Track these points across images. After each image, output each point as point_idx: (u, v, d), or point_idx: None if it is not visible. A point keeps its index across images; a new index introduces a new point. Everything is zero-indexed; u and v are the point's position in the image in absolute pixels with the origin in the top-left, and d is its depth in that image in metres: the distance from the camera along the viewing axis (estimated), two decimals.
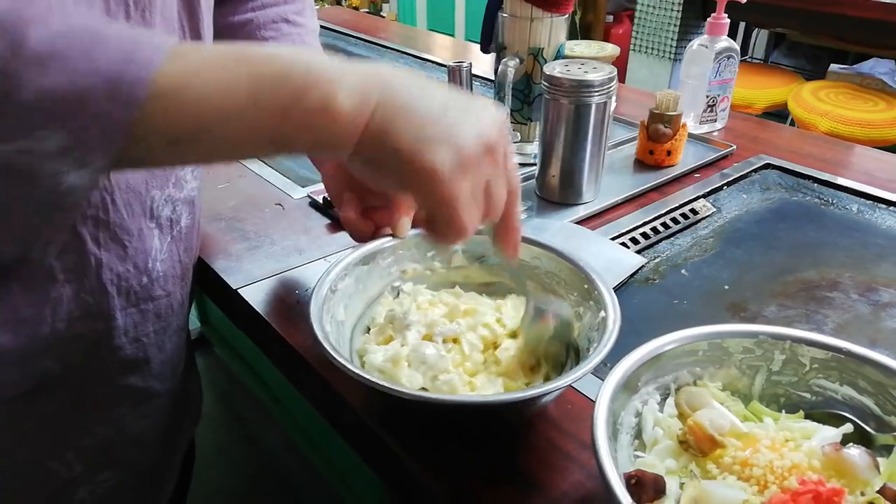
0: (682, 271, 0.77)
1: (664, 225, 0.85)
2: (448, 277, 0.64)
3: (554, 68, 0.81)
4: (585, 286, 0.57)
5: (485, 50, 0.98)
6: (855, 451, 0.43)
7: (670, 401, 0.49)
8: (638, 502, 0.38)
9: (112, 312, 0.56)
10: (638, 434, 0.48)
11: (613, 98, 0.84)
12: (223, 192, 0.89)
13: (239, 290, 0.70)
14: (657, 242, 0.82)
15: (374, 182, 0.45)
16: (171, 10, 0.55)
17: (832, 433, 0.46)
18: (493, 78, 1.01)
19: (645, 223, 0.84)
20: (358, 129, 0.40)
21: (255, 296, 0.69)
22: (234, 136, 0.38)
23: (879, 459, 0.44)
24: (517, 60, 0.90)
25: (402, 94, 0.41)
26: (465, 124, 0.42)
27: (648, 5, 2.59)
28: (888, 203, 0.90)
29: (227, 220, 0.82)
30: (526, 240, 0.61)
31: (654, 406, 0.49)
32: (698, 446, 0.45)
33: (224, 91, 0.37)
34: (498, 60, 0.93)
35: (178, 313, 0.65)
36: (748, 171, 0.98)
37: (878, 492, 0.41)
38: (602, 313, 0.53)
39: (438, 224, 0.43)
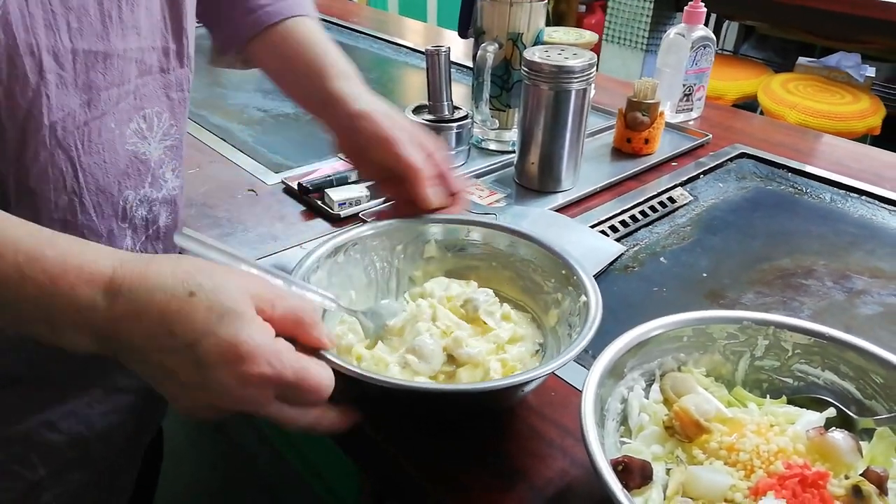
0: (661, 259, 0.77)
1: (642, 213, 0.85)
2: (422, 268, 0.63)
3: (534, 54, 0.80)
4: (563, 272, 0.56)
5: (462, 35, 0.97)
6: (839, 435, 0.43)
7: (655, 387, 0.49)
8: (626, 488, 0.37)
9: None
10: (623, 420, 0.48)
11: (593, 85, 0.83)
12: (193, 178, 0.86)
13: None
14: (636, 230, 0.82)
15: None
16: (154, 3, 0.53)
17: (815, 417, 0.46)
18: (469, 64, 1.00)
19: (623, 211, 0.84)
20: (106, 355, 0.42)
21: None
22: None
23: (862, 443, 0.44)
24: (496, 45, 0.89)
25: (131, 341, 0.41)
26: (181, 362, 0.40)
27: None
28: (859, 192, 0.91)
29: (198, 207, 0.80)
30: (501, 227, 0.61)
31: (640, 392, 0.48)
32: (684, 432, 0.44)
33: None
34: (476, 45, 0.92)
35: None
36: (724, 160, 0.98)
37: (861, 474, 0.41)
38: (583, 298, 0.52)
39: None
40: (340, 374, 0.44)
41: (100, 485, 0.63)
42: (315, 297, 0.50)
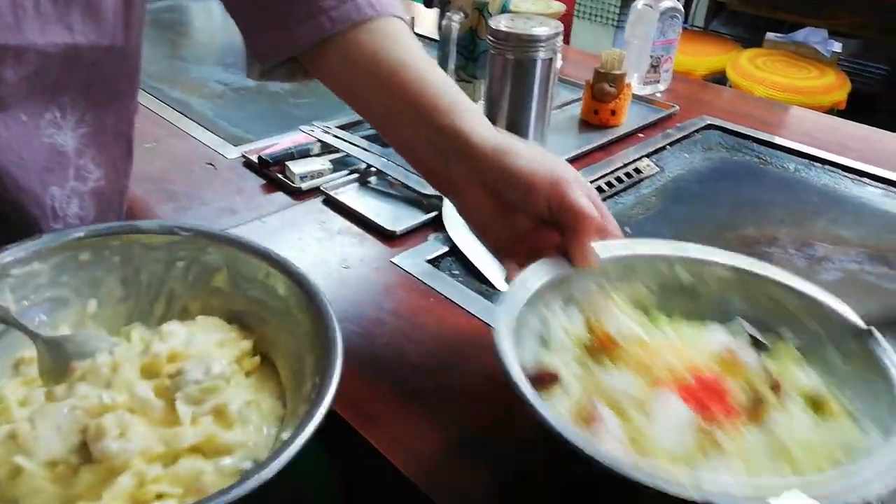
0: (626, 229, 0.77)
1: (608, 184, 0.84)
2: (202, 299, 0.49)
3: (499, 22, 0.79)
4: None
5: (428, 4, 0.95)
6: (747, 353, 0.45)
7: (576, 310, 0.48)
8: (534, 387, 0.38)
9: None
10: (544, 343, 0.46)
11: (559, 55, 0.82)
12: (150, 153, 0.84)
13: None
14: (602, 201, 0.82)
15: None
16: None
17: (727, 338, 0.47)
18: (436, 37, 0.98)
19: (590, 182, 0.83)
20: None
21: None
22: None
23: (771, 365, 0.45)
24: (462, 15, 0.87)
25: None
26: None
27: None
28: (823, 161, 0.92)
29: (153, 181, 0.77)
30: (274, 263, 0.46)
31: (559, 313, 0.48)
32: (601, 347, 0.44)
33: None
34: (442, 16, 0.90)
35: None
36: (691, 131, 0.98)
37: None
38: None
39: None
40: None
41: None
42: None
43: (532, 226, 0.50)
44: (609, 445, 0.37)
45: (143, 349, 0.43)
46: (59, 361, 0.41)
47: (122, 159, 0.57)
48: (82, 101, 0.51)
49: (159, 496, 0.36)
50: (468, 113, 0.50)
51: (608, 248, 0.49)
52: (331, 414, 0.49)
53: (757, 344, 0.48)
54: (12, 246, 0.43)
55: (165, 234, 0.48)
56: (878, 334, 0.44)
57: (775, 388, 0.42)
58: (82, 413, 0.38)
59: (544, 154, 0.50)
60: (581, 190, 0.48)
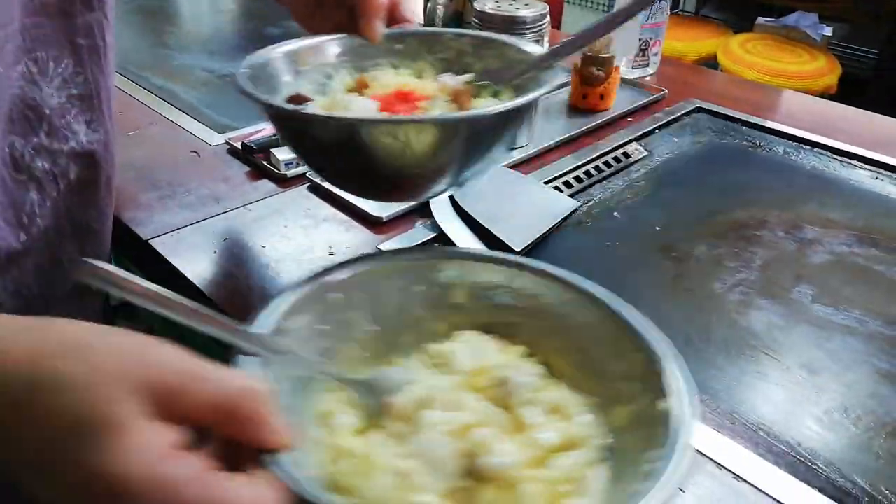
0: (615, 214, 0.77)
1: (597, 168, 0.84)
2: (447, 319, 0.48)
3: (485, 4, 0.78)
4: (639, 355, 0.41)
5: None
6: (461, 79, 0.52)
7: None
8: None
9: None
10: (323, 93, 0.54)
11: (546, 37, 0.81)
12: (132, 141, 0.83)
13: (150, 241, 0.65)
14: (590, 186, 0.81)
15: None
16: None
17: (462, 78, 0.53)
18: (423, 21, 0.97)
19: (578, 167, 0.83)
20: None
21: (169, 247, 0.65)
22: None
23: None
24: None
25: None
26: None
27: None
28: (813, 144, 0.91)
29: (136, 170, 0.76)
30: (553, 276, 0.46)
31: (343, 72, 0.56)
32: (357, 87, 0.54)
33: None
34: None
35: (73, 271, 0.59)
36: (679, 114, 0.97)
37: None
38: (661, 404, 0.37)
39: None
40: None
41: None
42: (280, 356, 0.37)
43: (345, 16, 0.56)
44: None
45: (450, 382, 0.42)
46: (373, 401, 0.40)
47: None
48: (70, 61, 0.51)
49: (563, 495, 0.36)
50: None
51: None
52: None
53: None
54: (277, 299, 0.41)
55: (400, 261, 0.48)
56: None
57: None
58: (450, 439, 0.37)
59: None
60: None
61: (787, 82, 2.08)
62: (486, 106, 0.49)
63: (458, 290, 0.47)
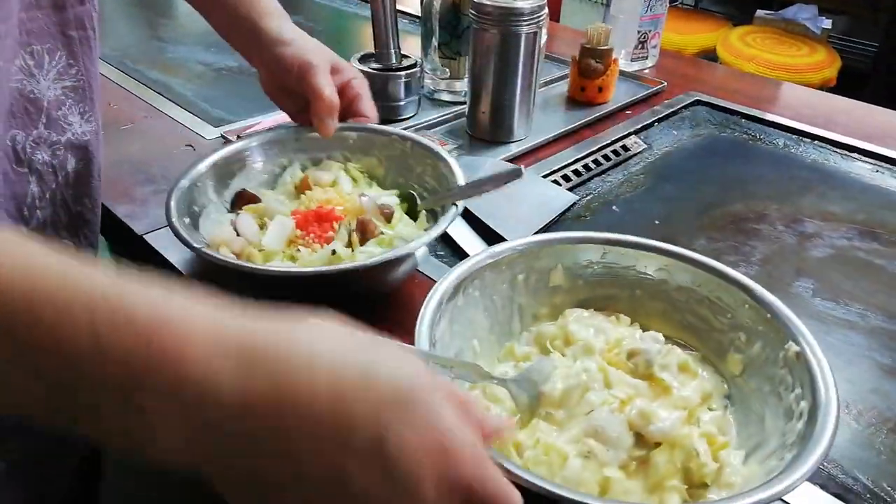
0: (614, 207, 0.76)
1: (596, 162, 0.83)
2: (548, 302, 0.52)
3: None
4: (747, 305, 0.47)
5: None
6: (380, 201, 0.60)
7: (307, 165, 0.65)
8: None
9: None
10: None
11: (544, 30, 0.80)
12: (127, 134, 0.82)
13: (145, 236, 0.64)
14: (589, 179, 0.80)
15: None
16: None
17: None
18: (418, 14, 0.96)
19: (577, 160, 0.82)
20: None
21: (163, 242, 0.64)
22: None
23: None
24: None
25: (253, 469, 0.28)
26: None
27: None
28: (812, 137, 0.91)
29: (131, 164, 0.76)
30: (648, 246, 0.51)
31: (296, 166, 0.65)
32: (301, 188, 0.62)
33: None
34: None
35: None
36: (678, 107, 0.97)
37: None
38: (791, 346, 0.44)
39: None
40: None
41: (45, 452, 0.61)
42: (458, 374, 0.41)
43: (304, 102, 0.63)
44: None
45: (597, 364, 0.45)
46: (532, 393, 0.43)
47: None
48: (63, 52, 0.51)
49: (723, 446, 0.42)
50: (271, 17, 0.65)
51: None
52: None
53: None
54: (421, 312, 0.44)
55: (506, 254, 0.50)
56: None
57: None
58: (619, 414, 0.42)
59: (315, 45, 0.64)
60: (326, 75, 0.62)
61: (786, 75, 2.07)
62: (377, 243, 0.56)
63: (556, 272, 0.52)
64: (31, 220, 0.53)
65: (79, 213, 0.58)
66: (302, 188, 0.62)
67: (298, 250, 0.55)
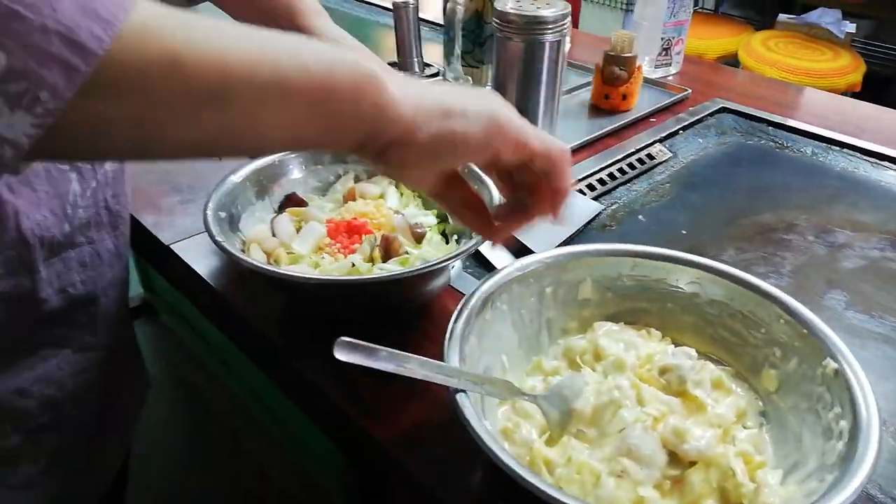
0: (640, 217, 0.75)
1: (620, 171, 0.82)
2: (577, 315, 0.52)
3: (505, 4, 0.77)
4: (783, 320, 0.46)
5: None
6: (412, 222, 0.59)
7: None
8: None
9: (35, 265, 0.52)
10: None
11: (567, 37, 0.80)
12: None
13: (171, 246, 0.65)
14: (614, 188, 0.80)
15: (441, 156, 0.41)
16: None
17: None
18: (441, 22, 0.96)
19: (601, 169, 0.82)
20: (413, 107, 0.38)
21: (190, 252, 0.64)
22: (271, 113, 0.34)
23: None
24: None
25: (431, 86, 0.40)
26: (496, 97, 0.42)
27: None
28: (841, 145, 0.89)
29: (157, 173, 0.76)
30: (680, 259, 0.50)
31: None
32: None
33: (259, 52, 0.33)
34: None
35: (111, 263, 0.60)
36: (704, 115, 0.96)
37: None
38: (829, 362, 0.42)
39: (553, 175, 0.41)
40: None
41: (76, 451, 0.62)
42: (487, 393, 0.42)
43: None
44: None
45: (630, 381, 0.45)
46: (563, 410, 0.43)
47: None
48: None
49: (760, 465, 0.41)
50: (321, 17, 0.64)
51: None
52: (338, 411, 0.48)
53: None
54: (449, 326, 0.43)
55: (533, 266, 0.49)
56: None
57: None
58: (652, 433, 0.41)
59: (362, 50, 0.62)
60: None
61: (809, 80, 2.05)
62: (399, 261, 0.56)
63: (584, 285, 0.51)
64: (73, 219, 0.54)
65: (117, 211, 0.60)
66: (348, 198, 0.63)
67: (323, 257, 0.56)
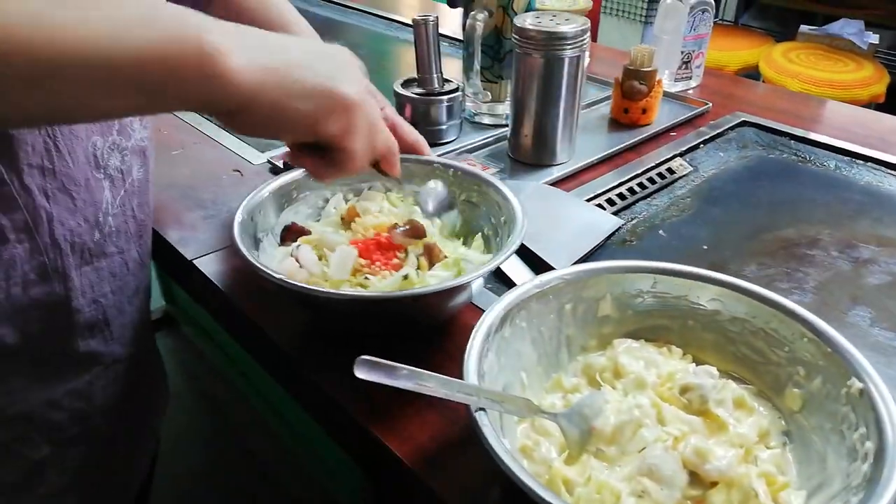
0: (660, 232, 0.75)
1: (640, 185, 0.82)
2: (596, 333, 0.52)
3: (525, 20, 0.77)
4: (806, 338, 0.45)
5: (452, 4, 0.93)
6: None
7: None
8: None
9: (68, 272, 0.53)
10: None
11: (587, 52, 0.80)
12: (177, 159, 0.84)
13: (194, 261, 0.66)
14: (634, 203, 0.80)
15: (277, 130, 0.46)
16: None
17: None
18: (460, 38, 0.96)
19: (621, 184, 0.81)
20: (255, 80, 0.41)
21: (212, 267, 0.65)
22: (97, 84, 0.36)
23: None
24: (486, 14, 0.85)
25: (290, 49, 0.44)
26: (350, 68, 0.47)
27: None
28: (865, 158, 0.88)
29: (181, 189, 0.77)
30: (702, 276, 0.50)
31: (340, 198, 0.64)
32: (349, 218, 0.61)
33: (96, 29, 0.35)
34: (466, 15, 0.88)
35: (136, 273, 0.61)
36: (724, 128, 0.95)
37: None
38: (855, 382, 0.42)
39: (335, 157, 0.47)
40: None
41: (102, 463, 0.63)
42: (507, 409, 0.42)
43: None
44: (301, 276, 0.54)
45: (650, 401, 0.45)
46: (583, 428, 0.43)
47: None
48: None
49: (783, 486, 0.41)
50: (310, 37, 0.67)
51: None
52: (356, 426, 0.49)
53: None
54: (469, 343, 0.44)
55: (553, 283, 0.49)
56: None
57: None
58: (673, 452, 0.41)
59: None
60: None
61: (832, 91, 2.03)
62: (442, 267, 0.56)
63: (604, 302, 0.50)
64: (104, 227, 0.55)
65: (142, 220, 0.61)
66: (349, 218, 0.62)
67: (367, 278, 0.55)
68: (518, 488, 0.34)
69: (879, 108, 2.12)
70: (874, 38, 2.38)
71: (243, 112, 0.41)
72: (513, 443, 0.43)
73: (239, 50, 0.39)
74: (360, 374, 0.40)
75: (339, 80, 0.45)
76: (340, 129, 0.46)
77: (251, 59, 0.40)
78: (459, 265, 0.56)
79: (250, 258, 0.51)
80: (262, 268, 0.50)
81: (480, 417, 0.38)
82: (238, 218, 0.56)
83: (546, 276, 0.50)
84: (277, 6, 0.70)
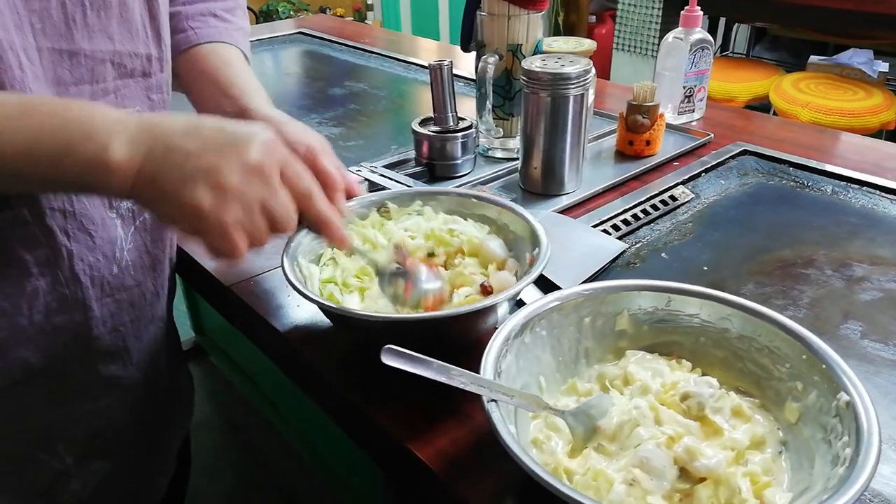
0: (663, 255, 0.80)
1: (644, 211, 0.87)
2: (613, 346, 0.56)
3: (532, 63, 0.84)
4: (804, 356, 0.49)
5: (465, 49, 1.00)
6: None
7: None
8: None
9: (88, 303, 0.58)
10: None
11: (591, 90, 0.86)
12: None
13: (231, 288, 0.71)
14: (638, 228, 0.85)
15: (158, 221, 0.51)
16: (131, 11, 0.57)
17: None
18: (474, 78, 1.03)
19: (626, 210, 0.87)
20: (128, 176, 0.45)
21: (249, 292, 0.70)
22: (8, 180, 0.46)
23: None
24: (496, 57, 0.92)
25: (168, 139, 0.46)
26: (226, 157, 0.47)
27: (630, 4, 2.63)
28: (861, 183, 0.92)
29: None
30: (712, 296, 0.54)
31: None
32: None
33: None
34: (478, 59, 0.95)
35: (153, 303, 0.67)
36: (726, 157, 1.00)
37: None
38: (842, 396, 0.45)
39: (213, 249, 0.49)
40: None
41: (123, 478, 0.67)
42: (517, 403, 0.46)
43: None
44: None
45: (648, 403, 0.49)
46: (587, 426, 0.48)
47: None
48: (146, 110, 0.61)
49: (765, 485, 0.44)
50: (257, 98, 0.68)
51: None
52: (377, 429, 0.53)
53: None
54: (489, 343, 0.48)
55: (573, 297, 0.54)
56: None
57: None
58: (665, 449, 0.45)
59: (303, 129, 0.63)
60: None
61: (842, 120, 2.07)
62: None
63: (621, 317, 0.55)
64: (122, 261, 0.61)
65: (156, 255, 0.66)
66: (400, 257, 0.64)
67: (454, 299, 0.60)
68: (528, 476, 0.39)
69: (890, 135, 2.15)
70: (883, 66, 2.43)
71: (134, 199, 0.48)
72: (525, 435, 0.48)
73: (125, 145, 0.46)
74: (387, 360, 0.45)
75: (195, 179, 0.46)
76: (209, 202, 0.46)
77: (142, 158, 0.46)
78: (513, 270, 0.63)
79: (297, 284, 0.56)
80: (314, 297, 0.54)
81: (491, 407, 0.43)
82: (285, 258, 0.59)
83: (567, 291, 0.54)
84: (236, 73, 0.72)
